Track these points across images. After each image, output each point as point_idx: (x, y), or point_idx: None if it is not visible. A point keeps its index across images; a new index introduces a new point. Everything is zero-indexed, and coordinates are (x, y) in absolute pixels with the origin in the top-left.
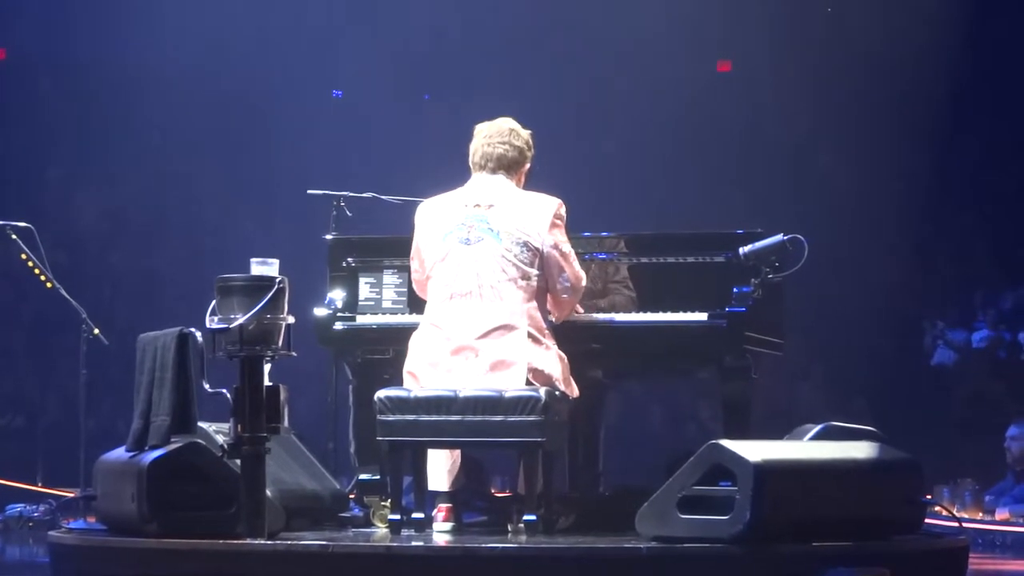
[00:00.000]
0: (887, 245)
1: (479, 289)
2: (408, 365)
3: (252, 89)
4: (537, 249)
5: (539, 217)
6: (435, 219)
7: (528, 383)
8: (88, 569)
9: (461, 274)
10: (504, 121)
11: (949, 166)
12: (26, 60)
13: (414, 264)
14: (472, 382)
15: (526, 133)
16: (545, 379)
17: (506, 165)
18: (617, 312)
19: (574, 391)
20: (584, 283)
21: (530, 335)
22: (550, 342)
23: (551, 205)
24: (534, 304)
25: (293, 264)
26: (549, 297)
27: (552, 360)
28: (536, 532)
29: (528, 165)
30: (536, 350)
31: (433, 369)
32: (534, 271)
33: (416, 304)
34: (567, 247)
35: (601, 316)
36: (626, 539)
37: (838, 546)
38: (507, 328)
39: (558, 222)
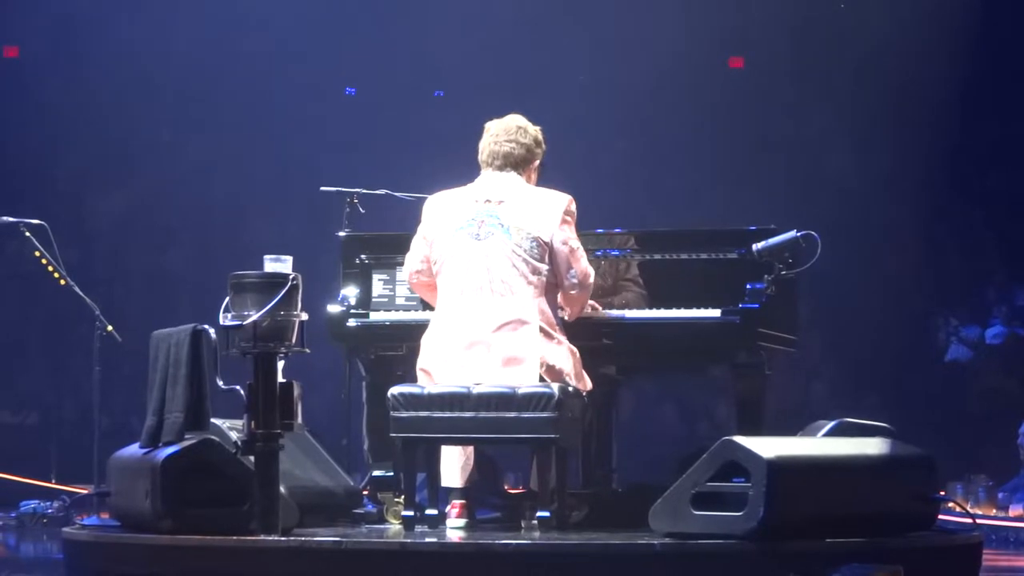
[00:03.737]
0: (900, 241)
1: (490, 284)
2: (421, 362)
3: (265, 86)
4: (547, 244)
5: (549, 213)
6: (445, 214)
7: (541, 379)
8: (102, 566)
9: (472, 270)
10: (513, 118)
11: (961, 162)
12: (38, 58)
13: (417, 255)
14: (485, 377)
15: (534, 129)
16: (557, 374)
17: (514, 162)
18: (628, 309)
19: (587, 385)
20: (592, 279)
21: (542, 330)
22: (562, 336)
23: (561, 201)
24: (545, 299)
25: (306, 261)
26: (560, 294)
27: (564, 355)
28: (549, 528)
29: (538, 161)
30: (548, 345)
31: (446, 365)
32: (544, 266)
33: None
34: (576, 243)
35: (614, 312)
36: (639, 535)
37: (851, 542)
38: (519, 323)
39: (568, 218)
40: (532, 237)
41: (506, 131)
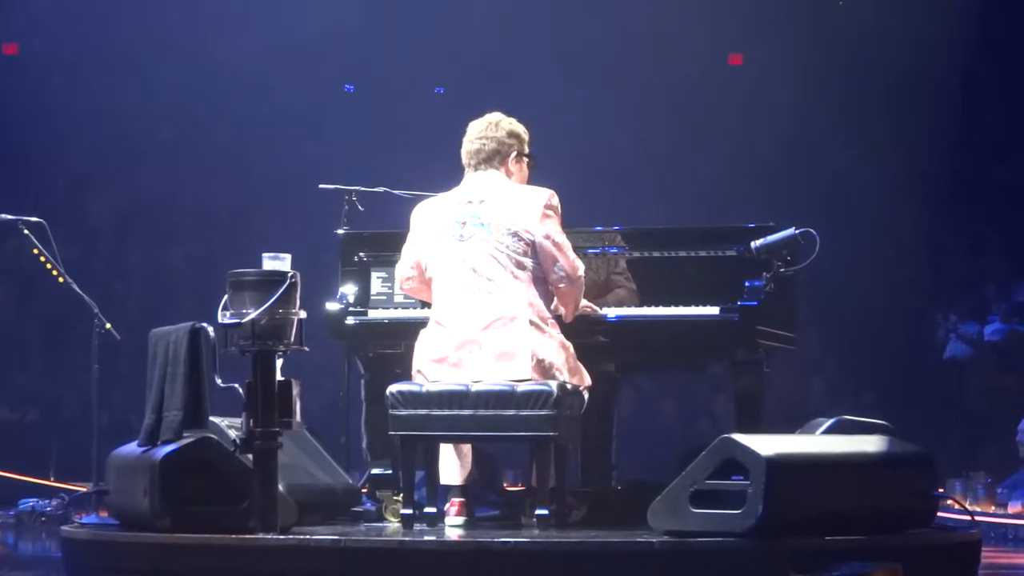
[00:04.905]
0: (899, 238)
1: (476, 284)
2: (416, 364)
3: (264, 83)
4: (530, 240)
5: (530, 208)
6: (431, 219)
7: (533, 373)
8: (100, 564)
9: (458, 272)
10: (488, 116)
11: (960, 159)
12: (38, 55)
13: (407, 262)
14: (478, 373)
15: (508, 122)
16: (547, 369)
17: (486, 158)
18: (621, 304)
19: (584, 379)
20: (581, 273)
21: (532, 323)
22: (553, 330)
23: (542, 196)
24: (534, 292)
25: (305, 259)
26: (553, 291)
27: (554, 349)
28: (548, 526)
29: (515, 153)
30: (540, 338)
31: (439, 365)
32: (529, 260)
33: None
34: (560, 237)
35: (612, 311)
36: (638, 533)
37: (850, 540)
38: (509, 318)
39: (549, 212)
40: (512, 232)
41: (478, 129)
